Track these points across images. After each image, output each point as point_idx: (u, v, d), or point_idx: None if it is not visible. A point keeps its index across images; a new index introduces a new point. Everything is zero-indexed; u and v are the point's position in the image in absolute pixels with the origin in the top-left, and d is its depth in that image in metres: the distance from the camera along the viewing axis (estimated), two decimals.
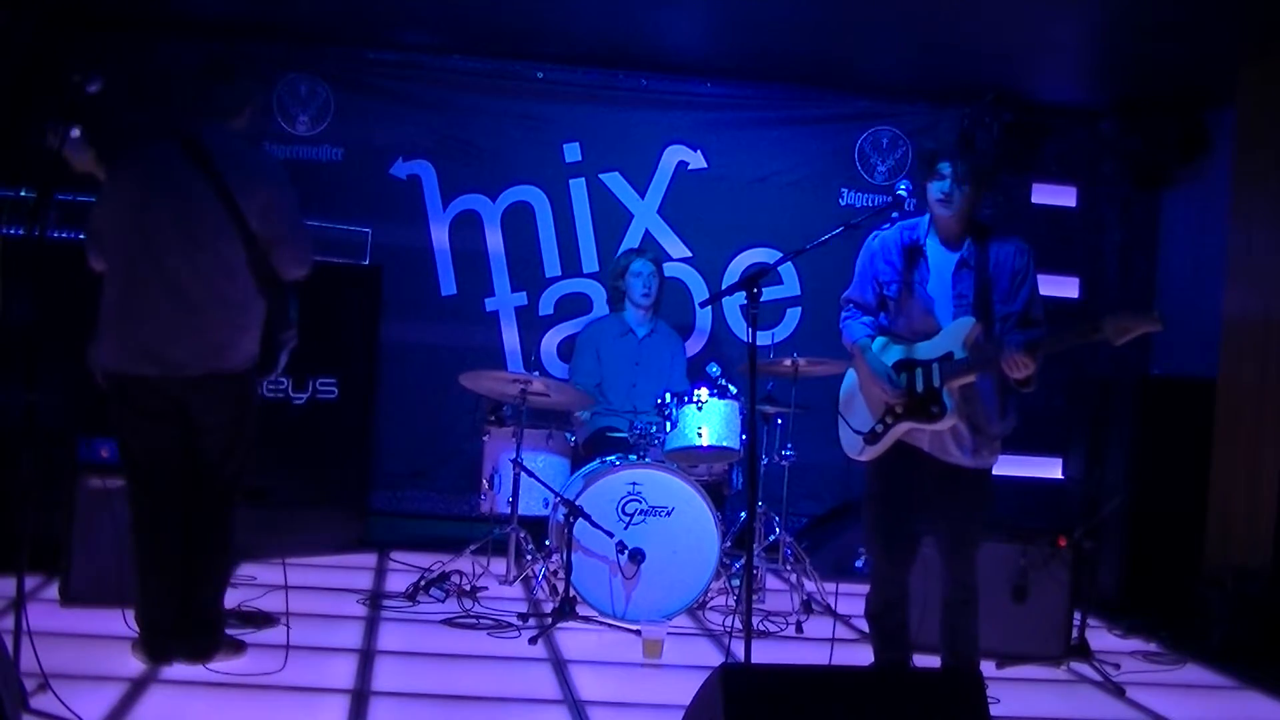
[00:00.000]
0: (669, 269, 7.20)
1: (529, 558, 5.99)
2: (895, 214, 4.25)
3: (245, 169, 4.38)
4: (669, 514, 5.58)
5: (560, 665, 4.85)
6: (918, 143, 4.22)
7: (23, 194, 4.96)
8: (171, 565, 4.36)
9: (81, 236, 5.91)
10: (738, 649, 4.12)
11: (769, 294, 7.32)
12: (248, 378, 4.47)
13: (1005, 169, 7.84)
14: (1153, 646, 5.77)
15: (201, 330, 4.33)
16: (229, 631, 4.57)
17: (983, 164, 4.16)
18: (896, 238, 4.28)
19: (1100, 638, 5.73)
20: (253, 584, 5.53)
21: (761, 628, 5.52)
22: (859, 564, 6.18)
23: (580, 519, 5.41)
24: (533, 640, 5.09)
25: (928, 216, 4.27)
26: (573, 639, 5.23)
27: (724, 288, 4.65)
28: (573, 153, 7.69)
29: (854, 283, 4.40)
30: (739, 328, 7.61)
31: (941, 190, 4.13)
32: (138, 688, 4.14)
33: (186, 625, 4.39)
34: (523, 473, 5.84)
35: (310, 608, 5.32)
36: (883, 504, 4.31)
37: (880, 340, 4.29)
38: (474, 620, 5.36)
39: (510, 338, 7.64)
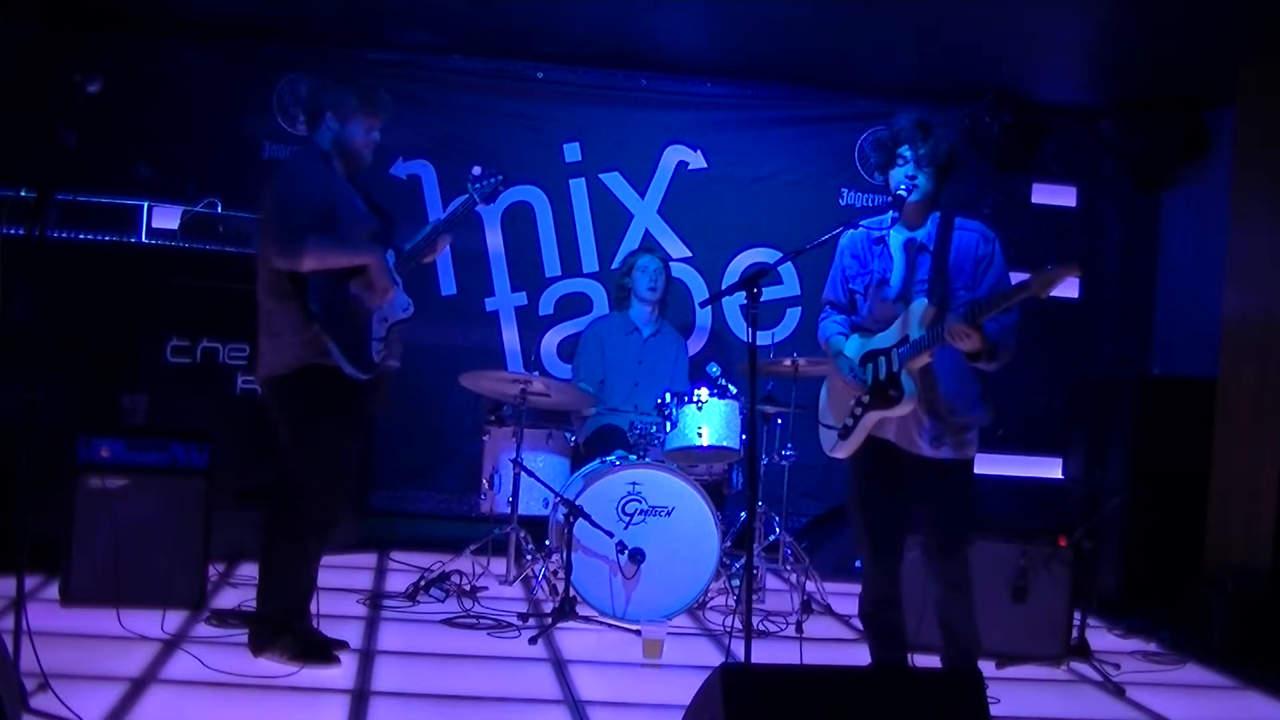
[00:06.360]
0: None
1: (529, 558, 5.99)
2: (895, 214, 4.25)
3: (268, 179, 4.60)
4: (669, 514, 5.58)
5: (560, 665, 4.85)
6: (872, 134, 4.20)
7: (23, 194, 4.95)
8: None
9: (82, 237, 6.00)
10: (738, 649, 4.12)
11: (769, 294, 7.32)
12: (288, 383, 4.47)
13: (1005, 169, 7.85)
14: (1153, 646, 5.77)
15: (259, 337, 4.58)
16: (330, 648, 4.64)
17: (942, 148, 4.16)
18: (863, 234, 4.32)
19: (1100, 638, 5.72)
20: (253, 583, 5.51)
21: (761, 628, 5.52)
22: (859, 564, 6.18)
23: (580, 519, 5.41)
24: (533, 640, 5.09)
25: (891, 212, 4.27)
26: (573, 639, 5.23)
27: (724, 288, 4.66)
28: (573, 153, 7.69)
29: (827, 283, 4.45)
30: (739, 328, 7.62)
31: (906, 175, 4.14)
32: (138, 688, 4.14)
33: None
34: (523, 473, 5.84)
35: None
36: (862, 503, 4.34)
37: (855, 337, 4.32)
38: (474, 620, 5.37)
39: (510, 338, 7.64)
